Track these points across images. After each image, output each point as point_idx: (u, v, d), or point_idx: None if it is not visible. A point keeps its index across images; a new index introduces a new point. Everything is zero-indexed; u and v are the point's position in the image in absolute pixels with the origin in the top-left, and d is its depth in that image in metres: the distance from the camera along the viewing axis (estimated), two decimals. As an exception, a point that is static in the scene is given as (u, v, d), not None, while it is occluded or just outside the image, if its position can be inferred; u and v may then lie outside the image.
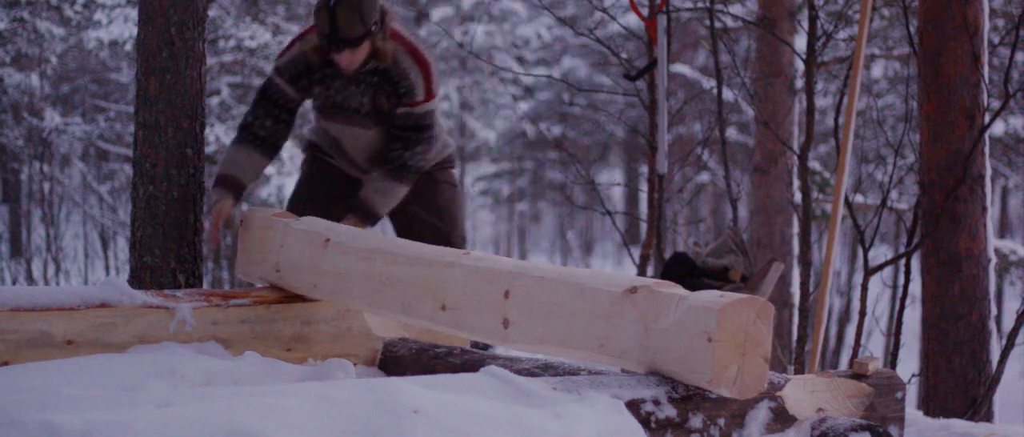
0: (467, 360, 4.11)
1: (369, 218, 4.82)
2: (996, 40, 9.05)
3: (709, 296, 3.17)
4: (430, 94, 4.73)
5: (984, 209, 5.69)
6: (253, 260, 4.69)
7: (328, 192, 5.01)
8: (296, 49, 4.71)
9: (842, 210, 5.63)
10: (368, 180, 4.78)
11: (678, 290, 3.27)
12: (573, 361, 3.97)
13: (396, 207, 4.93)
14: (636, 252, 7.51)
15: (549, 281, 3.52)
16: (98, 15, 13.98)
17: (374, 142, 4.86)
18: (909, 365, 8.54)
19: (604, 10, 7.61)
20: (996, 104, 6.62)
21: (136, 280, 4.82)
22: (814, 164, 12.54)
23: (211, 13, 13.37)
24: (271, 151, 4.82)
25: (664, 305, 3.23)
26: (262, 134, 4.76)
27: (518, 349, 3.73)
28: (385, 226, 8.26)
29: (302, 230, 4.47)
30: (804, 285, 6.58)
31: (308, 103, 4.99)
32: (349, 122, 4.82)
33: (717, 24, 8.32)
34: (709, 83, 10.12)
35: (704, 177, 16.03)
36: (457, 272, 3.81)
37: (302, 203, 4.94)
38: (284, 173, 15.20)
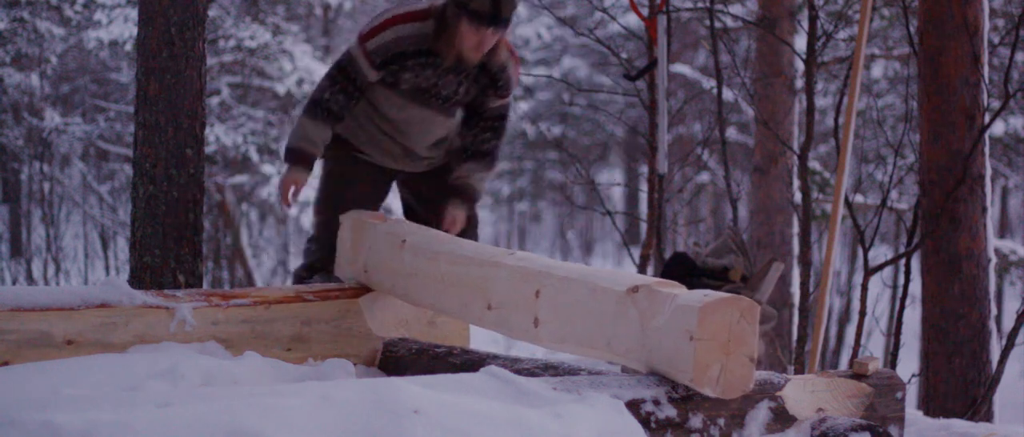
0: (467, 360, 4.11)
1: (474, 201, 4.97)
2: (996, 40, 9.05)
3: (694, 295, 3.18)
4: (516, 85, 4.89)
5: (984, 209, 5.69)
6: (347, 260, 4.75)
7: (370, 187, 5.01)
8: (389, 35, 4.64)
9: (842, 210, 5.63)
10: (461, 167, 4.88)
11: (676, 289, 3.28)
12: (573, 360, 3.97)
13: (424, 192, 5.04)
14: (636, 252, 7.51)
15: (571, 281, 3.55)
16: (98, 15, 13.97)
17: (441, 129, 4.92)
18: (909, 365, 8.53)
19: (604, 10, 7.61)
20: (996, 104, 6.61)
21: (136, 280, 4.82)
22: (814, 164, 12.54)
23: (211, 13, 13.37)
24: (337, 122, 4.83)
25: (660, 304, 3.24)
26: (334, 109, 4.75)
27: (546, 348, 3.76)
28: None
29: (385, 231, 4.54)
30: (804, 285, 6.58)
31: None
32: (429, 107, 4.82)
33: (717, 24, 8.32)
34: (709, 83, 10.12)
35: (704, 177, 16.03)
36: (502, 272, 3.86)
37: (342, 201, 4.89)
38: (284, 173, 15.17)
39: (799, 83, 10.10)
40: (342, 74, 4.73)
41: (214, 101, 15.01)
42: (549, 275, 3.64)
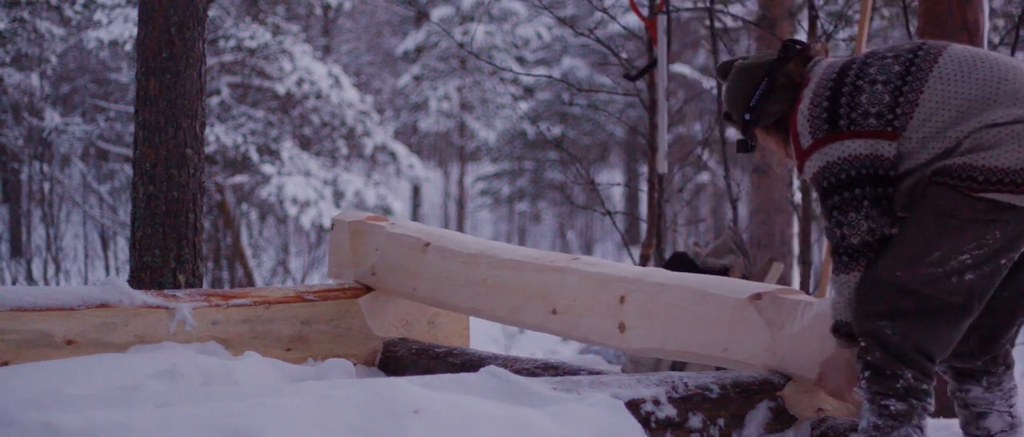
0: (467, 360, 4.11)
1: None
2: (996, 40, 9.05)
3: (827, 303, 3.24)
4: None
5: (984, 209, 5.68)
6: (345, 263, 4.73)
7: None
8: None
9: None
10: None
11: (802, 297, 3.36)
12: (573, 360, 3.99)
13: None
14: (636, 252, 7.51)
15: (670, 287, 3.61)
16: (98, 15, 13.97)
17: None
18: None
19: (604, 10, 7.61)
20: (996, 104, 6.59)
21: (136, 280, 4.82)
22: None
23: (211, 13, 13.37)
24: None
25: (790, 311, 3.32)
26: None
27: (636, 352, 3.81)
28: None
29: (400, 234, 4.54)
30: (804, 285, 6.58)
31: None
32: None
33: (717, 24, 8.32)
34: (709, 83, 10.12)
35: (704, 177, 16.04)
36: (570, 277, 3.89)
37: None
38: (284, 173, 15.19)
39: (799, 83, 10.07)
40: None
41: (214, 101, 15.00)
42: (639, 281, 3.70)
